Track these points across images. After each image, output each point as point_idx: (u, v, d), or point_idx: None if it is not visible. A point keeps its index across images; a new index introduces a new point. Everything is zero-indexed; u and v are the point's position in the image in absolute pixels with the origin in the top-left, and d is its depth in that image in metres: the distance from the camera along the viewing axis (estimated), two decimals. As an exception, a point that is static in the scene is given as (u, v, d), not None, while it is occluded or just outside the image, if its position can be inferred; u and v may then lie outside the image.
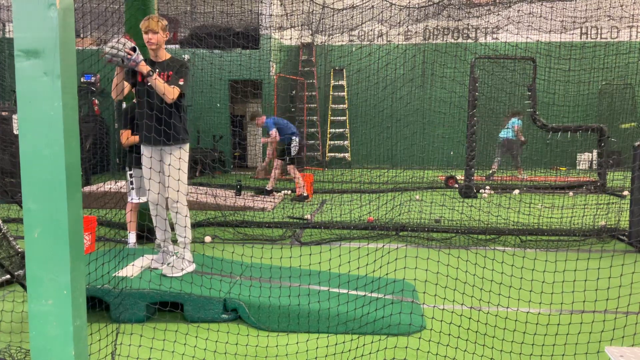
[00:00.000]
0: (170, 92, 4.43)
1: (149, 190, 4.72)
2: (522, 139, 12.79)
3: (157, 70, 4.59)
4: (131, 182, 5.94)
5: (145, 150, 4.69)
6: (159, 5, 9.51)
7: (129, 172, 5.95)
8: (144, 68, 4.30)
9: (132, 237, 6.03)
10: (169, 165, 4.56)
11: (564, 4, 11.03)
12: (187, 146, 4.69)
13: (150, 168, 4.63)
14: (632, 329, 3.91)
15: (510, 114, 12.82)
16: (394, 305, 4.21)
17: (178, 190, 4.55)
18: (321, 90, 16.15)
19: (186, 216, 4.60)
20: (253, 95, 15.31)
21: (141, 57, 4.28)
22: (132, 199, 5.97)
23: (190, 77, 4.79)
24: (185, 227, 4.60)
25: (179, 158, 4.58)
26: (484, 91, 12.33)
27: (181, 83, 4.51)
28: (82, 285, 1.84)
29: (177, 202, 4.56)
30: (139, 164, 5.63)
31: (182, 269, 4.62)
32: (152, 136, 4.51)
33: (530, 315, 4.11)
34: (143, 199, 5.89)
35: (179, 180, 4.57)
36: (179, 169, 4.57)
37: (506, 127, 12.82)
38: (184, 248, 4.65)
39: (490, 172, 12.71)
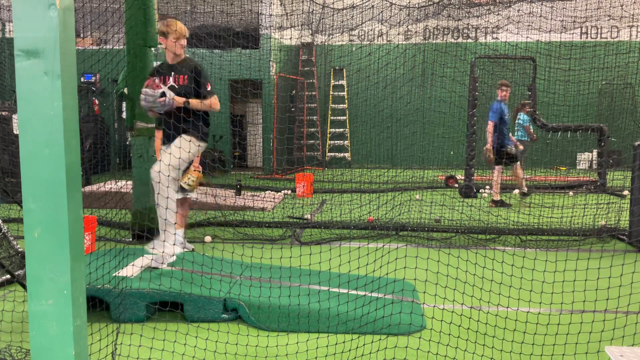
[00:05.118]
0: (212, 106, 4.66)
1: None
2: (534, 137, 12.67)
3: (173, 73, 4.64)
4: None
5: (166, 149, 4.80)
6: (159, 5, 9.49)
7: None
8: (179, 102, 4.51)
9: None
10: (175, 146, 4.63)
11: (564, 3, 11.02)
12: (196, 140, 4.70)
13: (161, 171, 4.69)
14: (632, 328, 3.91)
15: (517, 108, 12.70)
16: (394, 305, 4.21)
17: (160, 171, 4.52)
18: (321, 90, 16.14)
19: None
20: (253, 95, 15.31)
21: (171, 95, 4.49)
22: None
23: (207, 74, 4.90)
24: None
25: (185, 142, 4.61)
26: (484, 91, 12.33)
27: (209, 89, 4.68)
28: (82, 285, 1.84)
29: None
30: None
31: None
32: (171, 133, 4.67)
33: (530, 315, 4.11)
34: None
35: (169, 164, 4.53)
36: (170, 154, 4.58)
37: (516, 127, 12.73)
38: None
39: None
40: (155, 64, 6.64)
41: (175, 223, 5.70)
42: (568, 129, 11.61)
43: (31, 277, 1.77)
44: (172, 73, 4.67)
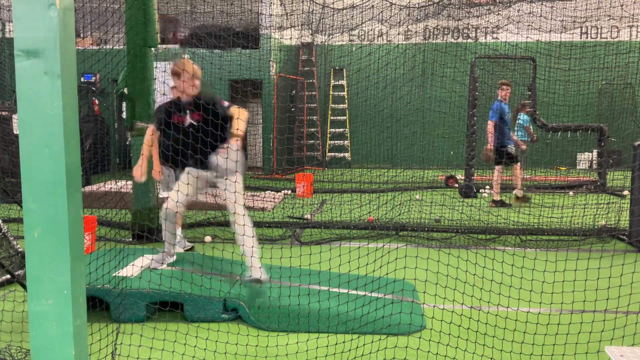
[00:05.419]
0: (242, 122, 4.32)
1: (174, 194, 4.68)
2: (534, 138, 12.60)
3: (188, 112, 4.57)
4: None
5: (194, 172, 4.65)
6: (159, 5, 9.48)
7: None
8: (236, 143, 4.27)
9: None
10: (229, 180, 4.47)
11: (564, 3, 11.02)
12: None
13: (192, 184, 4.64)
14: (632, 328, 3.91)
15: (517, 108, 12.63)
16: (394, 305, 4.21)
17: (235, 203, 4.46)
18: (321, 90, 16.14)
19: (251, 227, 4.45)
20: (253, 95, 15.30)
21: (214, 161, 4.31)
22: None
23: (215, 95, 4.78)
24: (252, 236, 4.43)
25: (232, 152, 4.39)
26: (484, 91, 12.33)
27: (226, 104, 4.46)
28: (82, 285, 1.84)
29: (235, 214, 4.45)
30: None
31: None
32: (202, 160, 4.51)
33: (530, 315, 4.11)
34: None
35: (235, 202, 4.44)
36: (235, 191, 4.45)
37: (516, 127, 12.67)
38: (250, 256, 4.42)
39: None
40: (155, 64, 6.63)
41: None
42: (568, 129, 11.61)
43: (31, 277, 1.77)
44: (187, 112, 4.60)
